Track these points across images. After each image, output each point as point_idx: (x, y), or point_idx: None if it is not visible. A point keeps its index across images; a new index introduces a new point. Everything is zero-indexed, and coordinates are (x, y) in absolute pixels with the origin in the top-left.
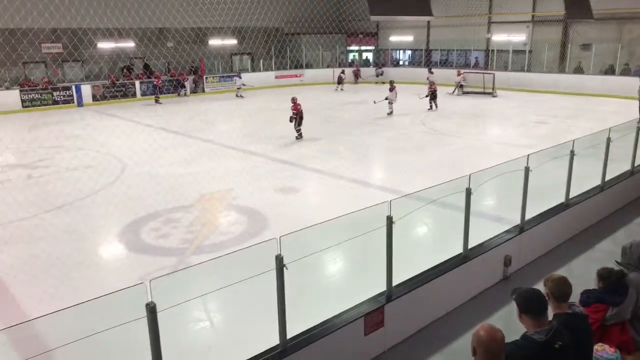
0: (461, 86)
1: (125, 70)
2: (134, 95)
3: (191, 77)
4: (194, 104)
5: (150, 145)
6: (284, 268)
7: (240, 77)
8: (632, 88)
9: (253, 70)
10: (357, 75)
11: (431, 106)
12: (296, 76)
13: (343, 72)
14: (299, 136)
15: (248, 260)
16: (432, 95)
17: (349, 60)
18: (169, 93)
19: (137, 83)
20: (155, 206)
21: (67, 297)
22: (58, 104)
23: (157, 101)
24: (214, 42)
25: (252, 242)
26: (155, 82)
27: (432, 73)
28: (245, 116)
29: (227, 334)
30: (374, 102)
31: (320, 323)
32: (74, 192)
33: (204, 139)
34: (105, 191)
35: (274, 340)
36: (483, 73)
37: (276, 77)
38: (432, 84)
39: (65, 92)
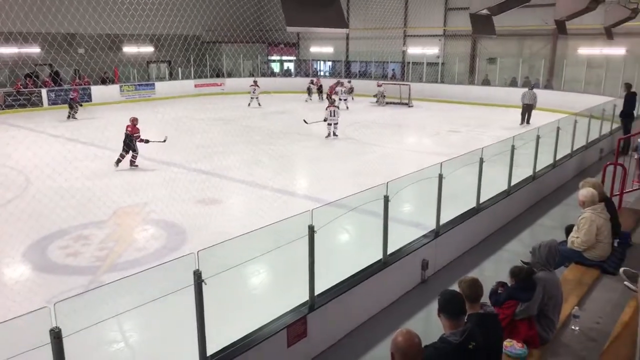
0: (383, 96)
1: (29, 78)
2: (40, 104)
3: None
4: (107, 113)
5: (58, 157)
6: (203, 283)
7: (257, 85)
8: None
9: (171, 78)
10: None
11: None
12: (217, 85)
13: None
14: (131, 163)
15: (166, 276)
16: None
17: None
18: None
19: (44, 91)
20: (63, 223)
21: None
22: None
23: (71, 116)
24: (129, 49)
25: (170, 257)
26: (72, 96)
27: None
28: (162, 126)
29: (144, 355)
30: (305, 122)
31: (242, 338)
32: None
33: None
34: (6, 208)
35: (194, 359)
36: (400, 84)
37: (195, 86)
38: (330, 89)
39: None
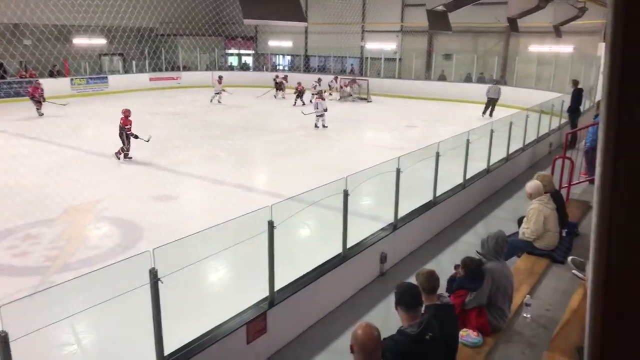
0: (350, 95)
1: None
2: None
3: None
4: (58, 107)
5: (1, 153)
6: (159, 282)
7: (219, 81)
8: None
9: (125, 71)
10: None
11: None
12: (173, 79)
13: (280, 77)
14: (125, 156)
15: (120, 275)
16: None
17: (228, 64)
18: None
19: None
20: (9, 222)
21: None
22: None
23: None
24: (80, 41)
25: (125, 256)
26: (30, 93)
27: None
28: (116, 120)
29: (99, 357)
30: (303, 113)
31: (200, 336)
32: None
33: (69, 146)
34: None
35: (151, 359)
36: (358, 79)
37: (151, 80)
38: (299, 85)
39: None
